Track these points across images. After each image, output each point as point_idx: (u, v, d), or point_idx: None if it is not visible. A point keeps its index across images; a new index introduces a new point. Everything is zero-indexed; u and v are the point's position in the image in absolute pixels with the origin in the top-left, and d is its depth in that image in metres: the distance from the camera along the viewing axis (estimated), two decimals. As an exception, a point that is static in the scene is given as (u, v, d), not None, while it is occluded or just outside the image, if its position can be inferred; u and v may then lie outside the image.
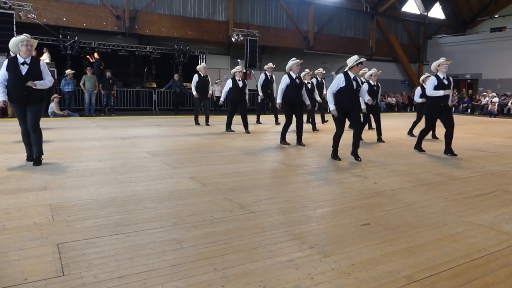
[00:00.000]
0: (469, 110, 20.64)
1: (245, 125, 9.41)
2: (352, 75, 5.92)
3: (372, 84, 8.33)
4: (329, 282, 2.32)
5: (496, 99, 19.51)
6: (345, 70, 6.01)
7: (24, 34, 5.12)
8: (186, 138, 8.51)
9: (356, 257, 2.66)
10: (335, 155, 6.15)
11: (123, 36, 17.79)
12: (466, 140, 9.01)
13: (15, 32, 12.35)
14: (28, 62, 5.04)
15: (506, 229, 3.28)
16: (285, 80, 7.18)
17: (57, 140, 7.57)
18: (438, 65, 6.72)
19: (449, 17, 27.36)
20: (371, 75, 8.38)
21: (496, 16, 26.11)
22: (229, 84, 9.42)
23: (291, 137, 7.66)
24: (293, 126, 7.47)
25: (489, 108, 19.28)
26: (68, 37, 14.87)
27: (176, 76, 15.93)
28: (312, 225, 3.26)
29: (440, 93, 6.55)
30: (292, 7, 20.93)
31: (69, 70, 13.54)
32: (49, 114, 12.50)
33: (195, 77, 10.73)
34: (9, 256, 2.53)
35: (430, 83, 6.75)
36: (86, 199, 3.80)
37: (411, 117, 17.67)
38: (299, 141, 7.49)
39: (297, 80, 7.25)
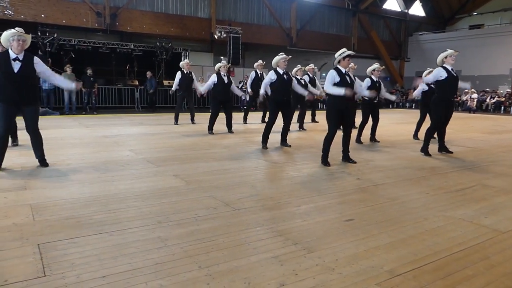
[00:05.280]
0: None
1: (229, 124, 9.03)
2: (343, 70, 5.45)
3: (375, 80, 7.76)
4: (314, 277, 2.34)
5: (475, 95, 19.98)
6: (335, 65, 5.54)
7: (16, 28, 4.77)
8: (169, 136, 8.44)
9: (340, 252, 2.69)
10: (325, 160, 5.58)
11: (104, 33, 17.50)
12: (446, 136, 9.15)
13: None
14: (21, 58, 4.65)
15: (485, 223, 3.36)
16: (269, 76, 6.72)
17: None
18: (445, 57, 6.32)
19: (429, 15, 27.85)
20: (373, 70, 7.79)
21: (474, 13, 26.70)
22: (213, 79, 8.84)
23: (275, 138, 7.41)
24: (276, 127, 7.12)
25: (468, 104, 19.73)
26: (47, 34, 14.52)
27: (148, 74, 15.54)
28: (297, 222, 3.28)
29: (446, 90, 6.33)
30: (275, 4, 20.95)
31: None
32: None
33: (178, 74, 10.39)
34: (-12, 258, 2.47)
35: (436, 74, 6.32)
36: (68, 199, 3.73)
37: (393, 113, 18.03)
38: (284, 141, 7.17)
39: (285, 76, 6.76)
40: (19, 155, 5.71)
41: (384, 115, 16.23)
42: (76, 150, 6.40)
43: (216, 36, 17.77)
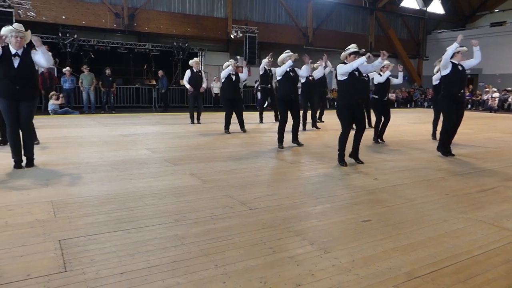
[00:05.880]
0: (469, 106, 20.64)
1: (241, 123, 9.03)
2: None
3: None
4: (330, 278, 2.33)
5: (496, 94, 19.50)
6: (342, 60, 5.58)
7: (15, 24, 4.85)
8: (186, 135, 8.51)
9: (356, 253, 2.67)
10: (341, 160, 5.51)
11: (122, 34, 17.75)
12: (467, 136, 9.02)
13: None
14: (20, 54, 4.74)
15: (507, 225, 3.28)
16: (277, 73, 6.72)
17: (57, 138, 7.58)
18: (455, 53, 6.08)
19: (448, 12, 27.31)
20: (383, 67, 7.65)
21: (496, 10, 26.04)
22: (225, 74, 8.84)
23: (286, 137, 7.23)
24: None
25: (489, 103, 19.28)
26: (68, 34, 14.83)
27: (160, 73, 15.55)
28: (313, 222, 3.27)
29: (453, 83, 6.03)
30: (291, 3, 20.88)
31: (67, 68, 13.56)
32: (50, 111, 12.51)
33: (188, 73, 10.37)
34: (12, 252, 2.54)
35: (444, 67, 6.14)
36: (87, 196, 3.80)
37: (411, 112, 17.76)
38: (295, 139, 7.14)
39: (291, 74, 6.73)
40: (41, 154, 5.85)
41: (402, 114, 16.02)
42: (95, 148, 6.52)
43: (232, 36, 17.83)
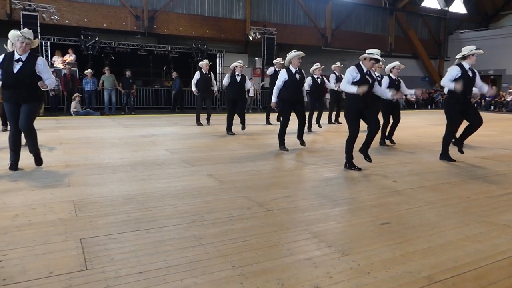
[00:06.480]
0: (492, 107, 20.12)
1: (242, 123, 8.96)
2: (365, 69, 5.21)
3: (394, 78, 7.47)
4: (348, 281, 2.31)
5: (521, 96, 18.96)
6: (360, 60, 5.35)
7: (25, 29, 4.84)
8: (204, 136, 8.57)
9: (375, 256, 2.64)
10: (350, 163, 5.33)
11: (142, 36, 18.02)
12: (490, 138, 8.79)
13: (39, 34, 12.71)
14: (24, 59, 4.70)
15: (532, 230, 3.19)
16: (282, 76, 6.43)
17: (79, 138, 7.75)
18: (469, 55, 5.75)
19: (471, 12, 26.70)
20: (393, 68, 7.50)
21: (520, 10, 25.35)
22: (227, 79, 8.97)
23: (292, 138, 7.20)
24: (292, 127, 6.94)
25: (513, 105, 18.76)
26: (89, 37, 15.17)
27: (174, 74, 15.69)
28: (331, 224, 3.25)
29: (455, 87, 5.66)
30: (310, 4, 20.80)
31: (89, 70, 13.86)
32: (72, 113, 12.81)
33: (196, 74, 10.30)
34: (35, 250, 2.61)
35: (451, 72, 5.81)
36: (108, 196, 3.87)
37: (431, 114, 17.42)
38: (300, 137, 6.94)
39: (297, 75, 6.49)
40: (63, 153, 6.00)
41: (423, 115, 15.75)
42: (115, 149, 6.64)
43: (250, 37, 17.89)
